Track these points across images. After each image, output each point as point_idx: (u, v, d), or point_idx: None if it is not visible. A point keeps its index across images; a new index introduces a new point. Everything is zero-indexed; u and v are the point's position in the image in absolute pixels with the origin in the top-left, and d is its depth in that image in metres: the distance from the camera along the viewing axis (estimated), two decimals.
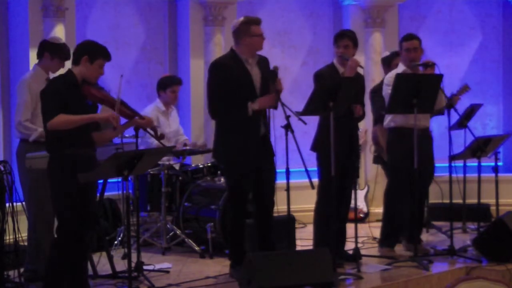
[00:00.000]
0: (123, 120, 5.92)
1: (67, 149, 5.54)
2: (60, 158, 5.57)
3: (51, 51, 6.61)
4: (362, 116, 7.15)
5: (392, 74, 7.43)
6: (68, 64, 6.69)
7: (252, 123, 6.49)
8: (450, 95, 8.16)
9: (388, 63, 8.27)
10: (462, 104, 8.56)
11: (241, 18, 6.64)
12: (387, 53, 8.55)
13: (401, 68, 7.48)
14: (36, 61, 6.73)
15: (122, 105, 5.76)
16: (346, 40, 7.04)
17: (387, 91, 7.34)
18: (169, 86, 8.34)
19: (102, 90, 5.73)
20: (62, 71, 6.60)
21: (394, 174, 7.54)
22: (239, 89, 6.44)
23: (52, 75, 6.62)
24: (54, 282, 5.64)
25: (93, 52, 5.64)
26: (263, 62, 6.65)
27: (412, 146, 7.06)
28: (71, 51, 5.88)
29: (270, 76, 6.53)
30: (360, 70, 7.06)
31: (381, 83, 7.81)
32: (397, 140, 7.44)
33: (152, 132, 6.13)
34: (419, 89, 6.96)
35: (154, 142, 7.73)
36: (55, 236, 5.72)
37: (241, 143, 6.46)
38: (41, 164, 5.90)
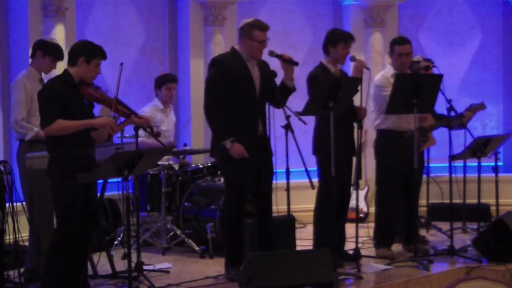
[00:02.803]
0: (120, 119, 5.93)
1: (69, 149, 5.56)
2: (62, 159, 5.58)
3: (43, 49, 6.60)
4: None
5: (382, 75, 7.45)
6: (60, 65, 6.71)
7: (249, 123, 6.48)
8: (464, 110, 8.14)
9: None
10: (462, 104, 8.54)
11: (250, 20, 6.62)
12: None
13: (390, 70, 7.46)
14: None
15: (118, 104, 5.78)
16: (352, 42, 7.06)
17: (381, 92, 7.33)
18: (163, 84, 8.36)
19: (99, 90, 5.76)
20: (55, 72, 6.61)
21: (385, 176, 7.53)
22: (237, 86, 6.42)
23: (45, 76, 6.60)
24: (52, 282, 5.64)
25: (90, 53, 5.66)
26: (263, 64, 6.64)
27: (402, 148, 7.27)
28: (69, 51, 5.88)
29: (270, 73, 6.56)
30: (366, 72, 7.05)
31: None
32: (387, 143, 7.45)
33: (149, 130, 6.16)
34: (419, 89, 6.97)
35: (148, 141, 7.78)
36: (55, 236, 5.71)
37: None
38: (41, 164, 5.91)
